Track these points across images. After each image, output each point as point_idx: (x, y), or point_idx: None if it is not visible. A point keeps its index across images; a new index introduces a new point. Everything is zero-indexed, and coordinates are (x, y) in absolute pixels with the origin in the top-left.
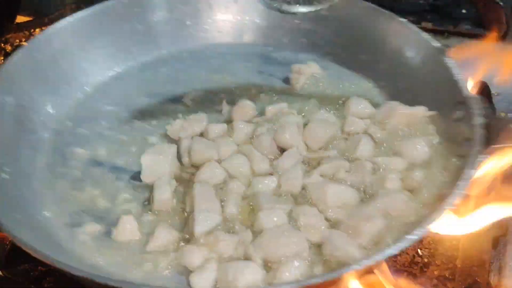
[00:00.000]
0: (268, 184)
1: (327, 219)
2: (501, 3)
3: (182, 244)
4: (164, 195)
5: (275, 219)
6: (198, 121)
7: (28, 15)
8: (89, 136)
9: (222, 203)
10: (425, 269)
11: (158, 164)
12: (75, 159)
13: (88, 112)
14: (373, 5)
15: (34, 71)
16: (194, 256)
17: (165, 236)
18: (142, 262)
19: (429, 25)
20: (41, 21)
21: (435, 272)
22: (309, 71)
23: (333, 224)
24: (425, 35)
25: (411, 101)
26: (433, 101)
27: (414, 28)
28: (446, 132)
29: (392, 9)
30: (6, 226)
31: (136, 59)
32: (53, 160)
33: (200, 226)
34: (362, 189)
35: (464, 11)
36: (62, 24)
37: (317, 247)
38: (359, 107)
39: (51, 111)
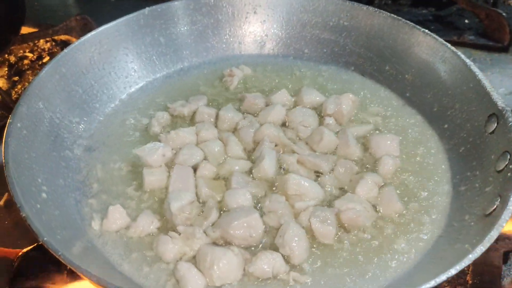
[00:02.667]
0: (242, 165)
1: (294, 210)
2: (504, 14)
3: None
4: (153, 176)
5: (239, 199)
6: (197, 101)
7: (33, 27)
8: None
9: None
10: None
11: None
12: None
13: (117, 126)
14: (395, 16)
15: (62, 86)
16: (168, 248)
17: (145, 223)
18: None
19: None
20: (45, 32)
21: None
22: (241, 73)
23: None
24: (452, 48)
25: (439, 113)
26: (462, 113)
27: (439, 40)
28: (480, 145)
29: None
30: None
31: (159, 71)
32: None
33: (174, 202)
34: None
35: (467, 21)
36: (87, 38)
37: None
38: (311, 96)
39: (81, 126)
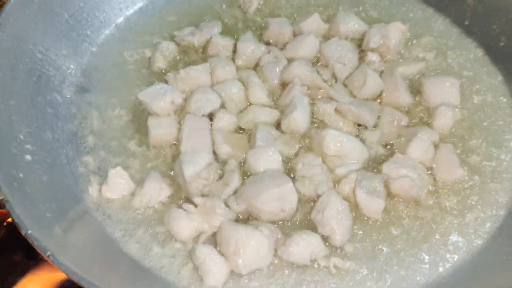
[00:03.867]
0: (267, 115)
1: (333, 176)
2: None
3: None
4: (160, 129)
5: (266, 161)
6: (210, 28)
7: None
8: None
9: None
10: None
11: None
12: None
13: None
14: None
15: (44, 11)
16: (183, 225)
17: (153, 191)
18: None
19: None
20: None
21: None
22: None
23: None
24: None
25: (507, 49)
26: None
27: None
28: None
29: None
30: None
31: None
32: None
33: (188, 166)
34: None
35: None
36: None
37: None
38: (350, 23)
39: (70, 61)
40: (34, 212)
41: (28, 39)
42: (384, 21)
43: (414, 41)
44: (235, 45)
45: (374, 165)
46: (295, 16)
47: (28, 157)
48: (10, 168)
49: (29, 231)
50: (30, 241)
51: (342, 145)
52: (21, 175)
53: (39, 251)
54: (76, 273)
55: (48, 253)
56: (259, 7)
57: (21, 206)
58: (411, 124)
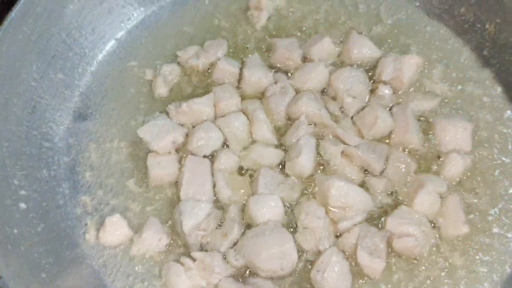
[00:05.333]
0: (271, 156)
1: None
2: None
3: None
4: (160, 169)
5: (268, 212)
6: (215, 48)
7: None
8: None
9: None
10: None
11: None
12: None
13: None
14: None
15: (39, 32)
16: (181, 280)
17: (152, 240)
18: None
19: None
20: None
21: None
22: (271, 5)
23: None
24: None
25: None
26: None
27: None
28: None
29: None
30: None
31: None
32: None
33: (187, 220)
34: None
35: None
36: None
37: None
38: (362, 50)
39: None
40: (28, 279)
41: (22, 68)
42: (400, 44)
43: (429, 70)
44: (241, 72)
45: (378, 216)
46: (305, 32)
47: (23, 205)
48: (4, 226)
49: None
50: None
51: (347, 196)
52: (15, 230)
53: None
54: None
55: None
56: (268, 22)
57: (14, 279)
58: (420, 169)
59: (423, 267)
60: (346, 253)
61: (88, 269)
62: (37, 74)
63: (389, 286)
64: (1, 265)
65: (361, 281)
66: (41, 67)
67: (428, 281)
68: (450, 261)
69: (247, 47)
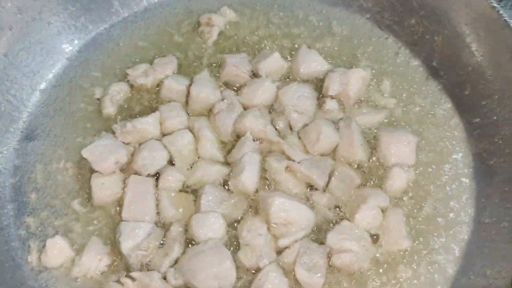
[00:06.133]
0: (216, 173)
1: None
2: None
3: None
4: (104, 190)
5: (209, 230)
6: (164, 66)
7: None
8: None
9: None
10: None
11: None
12: None
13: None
14: None
15: None
16: None
17: (92, 261)
18: None
19: None
20: None
21: None
22: (222, 21)
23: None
24: (509, 20)
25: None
26: (502, 108)
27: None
28: None
29: None
30: None
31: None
32: None
33: (126, 242)
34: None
35: None
36: None
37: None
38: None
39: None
40: None
41: None
42: (350, 57)
43: (378, 83)
44: (189, 89)
45: (322, 231)
46: (255, 48)
47: None
48: None
49: None
50: None
51: (288, 213)
52: None
53: None
54: None
55: None
56: (221, 37)
57: None
58: (364, 183)
59: (364, 281)
60: (286, 270)
61: None
62: None
63: None
64: None
65: None
66: None
67: None
68: (391, 274)
69: (199, 64)
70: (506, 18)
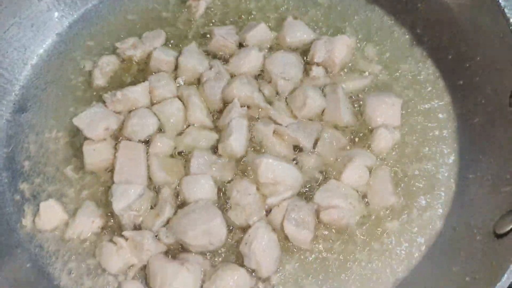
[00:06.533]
0: (205, 138)
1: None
2: None
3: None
4: (95, 156)
5: (199, 191)
6: (152, 40)
7: None
8: None
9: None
10: None
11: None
12: None
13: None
14: None
15: None
16: (114, 259)
17: (85, 223)
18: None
19: None
20: None
21: None
22: None
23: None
24: None
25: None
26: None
27: None
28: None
29: None
30: None
31: None
32: None
33: (118, 201)
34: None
35: None
36: None
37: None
38: (297, 33)
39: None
40: None
41: None
42: (335, 26)
43: (363, 50)
44: (177, 59)
45: (308, 191)
46: (242, 20)
47: None
48: None
49: None
50: None
51: (276, 173)
52: None
53: None
54: None
55: None
56: (208, 11)
57: None
58: (350, 145)
59: (352, 237)
60: (275, 228)
61: (24, 253)
62: None
63: (320, 255)
64: None
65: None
66: None
67: (359, 247)
68: (378, 229)
69: (187, 37)
70: None
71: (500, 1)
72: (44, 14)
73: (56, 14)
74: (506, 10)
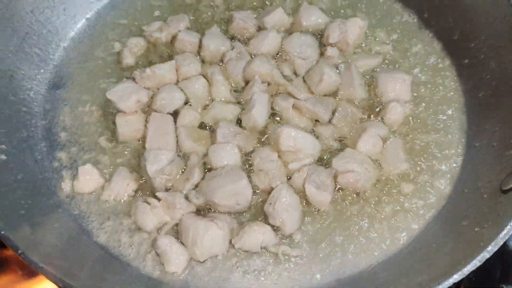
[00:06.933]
0: (229, 111)
1: (287, 170)
2: None
3: (139, 195)
4: (127, 127)
5: (225, 157)
6: (177, 23)
7: None
8: None
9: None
10: None
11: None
12: None
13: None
14: None
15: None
16: (148, 218)
17: (121, 186)
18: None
19: None
20: None
21: None
22: None
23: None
24: None
25: (460, 43)
26: (488, 48)
27: None
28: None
29: None
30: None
31: None
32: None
33: (151, 165)
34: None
35: None
36: None
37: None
38: (312, 17)
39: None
40: (6, 213)
41: None
42: (347, 11)
43: (373, 31)
44: (201, 41)
45: (326, 159)
46: (260, 6)
47: (3, 157)
48: None
49: (2, 232)
50: (3, 240)
51: (296, 141)
52: None
53: (12, 249)
54: (44, 269)
55: (20, 251)
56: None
57: None
58: (364, 118)
59: (367, 198)
60: (296, 190)
61: (64, 213)
62: (13, 48)
63: (339, 216)
64: None
65: (314, 212)
66: (17, 42)
67: (372, 205)
68: (392, 191)
69: (209, 21)
70: None
71: None
72: (75, 0)
73: (86, 0)
74: None
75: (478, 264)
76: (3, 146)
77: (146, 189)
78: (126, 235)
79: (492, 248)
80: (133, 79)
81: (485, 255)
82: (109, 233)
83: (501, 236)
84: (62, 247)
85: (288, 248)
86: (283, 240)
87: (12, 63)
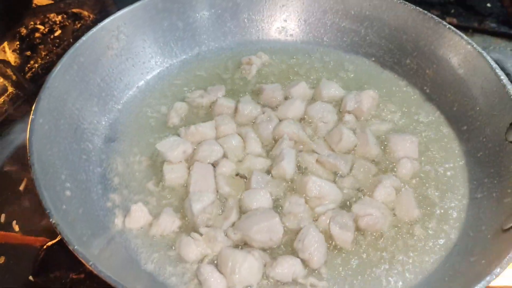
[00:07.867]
0: (261, 164)
1: (313, 213)
2: None
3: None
4: (174, 174)
5: (259, 200)
6: (216, 91)
7: None
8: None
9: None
10: None
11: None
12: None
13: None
14: (420, 9)
15: (81, 76)
16: (191, 250)
17: (167, 223)
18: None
19: (453, 20)
20: (57, 6)
21: None
22: (259, 61)
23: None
24: (478, 48)
25: (458, 113)
26: (483, 116)
27: (465, 38)
28: (499, 152)
29: (416, 1)
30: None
31: (177, 56)
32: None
33: (196, 204)
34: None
35: (489, 5)
36: (104, 24)
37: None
38: (330, 90)
39: (100, 116)
40: (74, 236)
41: (68, 100)
42: (360, 87)
43: (384, 104)
44: (236, 106)
45: (346, 205)
46: (285, 82)
47: (68, 193)
48: (56, 201)
49: (75, 247)
50: (76, 254)
51: (321, 188)
52: (64, 206)
53: (83, 262)
54: (112, 278)
55: (91, 262)
56: (257, 74)
57: (66, 230)
58: (379, 172)
59: (385, 238)
60: (322, 231)
61: (116, 244)
62: (79, 106)
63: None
64: (57, 220)
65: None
66: (82, 101)
67: (392, 247)
68: (406, 231)
69: (243, 92)
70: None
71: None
72: (129, 70)
73: (138, 71)
74: (497, 71)
75: (487, 284)
76: (68, 184)
77: (189, 227)
78: (171, 265)
79: (499, 271)
80: (178, 135)
81: (492, 277)
82: (156, 263)
83: (505, 261)
84: (118, 269)
85: (316, 280)
86: (311, 274)
87: (77, 118)
